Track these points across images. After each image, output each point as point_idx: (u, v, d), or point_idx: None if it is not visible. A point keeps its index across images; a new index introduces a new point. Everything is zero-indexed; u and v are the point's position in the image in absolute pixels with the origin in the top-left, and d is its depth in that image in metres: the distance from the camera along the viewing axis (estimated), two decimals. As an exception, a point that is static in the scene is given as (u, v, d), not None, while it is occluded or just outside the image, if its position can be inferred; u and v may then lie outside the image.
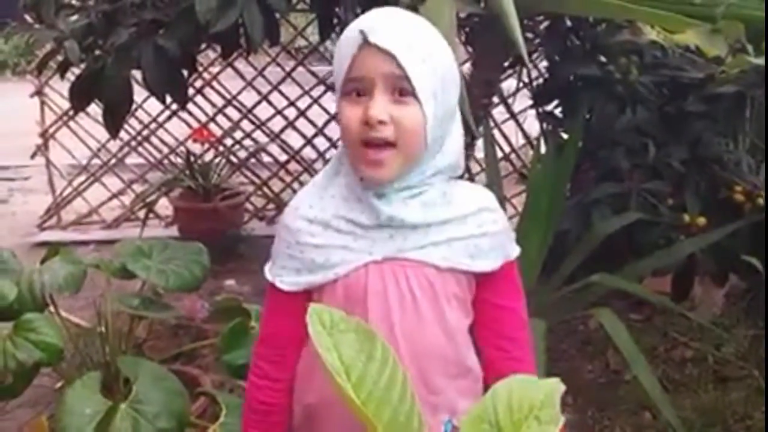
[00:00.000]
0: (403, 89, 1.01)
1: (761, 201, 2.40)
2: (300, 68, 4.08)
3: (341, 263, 1.08)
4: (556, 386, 0.76)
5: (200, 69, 3.75)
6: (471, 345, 1.16)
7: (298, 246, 1.10)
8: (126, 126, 3.75)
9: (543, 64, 3.11)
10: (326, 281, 1.09)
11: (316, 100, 4.08)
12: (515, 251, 1.15)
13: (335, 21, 2.67)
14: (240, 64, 4.02)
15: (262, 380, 1.18)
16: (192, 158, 3.96)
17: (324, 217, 1.09)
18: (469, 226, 1.09)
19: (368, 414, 0.71)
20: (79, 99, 2.47)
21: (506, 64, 2.79)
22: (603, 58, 2.60)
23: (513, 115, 3.89)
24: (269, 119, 4.17)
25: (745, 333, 2.80)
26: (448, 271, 1.09)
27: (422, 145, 1.03)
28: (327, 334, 0.76)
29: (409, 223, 1.07)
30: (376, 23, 1.03)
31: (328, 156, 3.94)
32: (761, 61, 1.71)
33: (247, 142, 4.24)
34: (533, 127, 3.34)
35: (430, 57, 1.02)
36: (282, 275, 1.13)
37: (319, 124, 4.11)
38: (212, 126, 4.17)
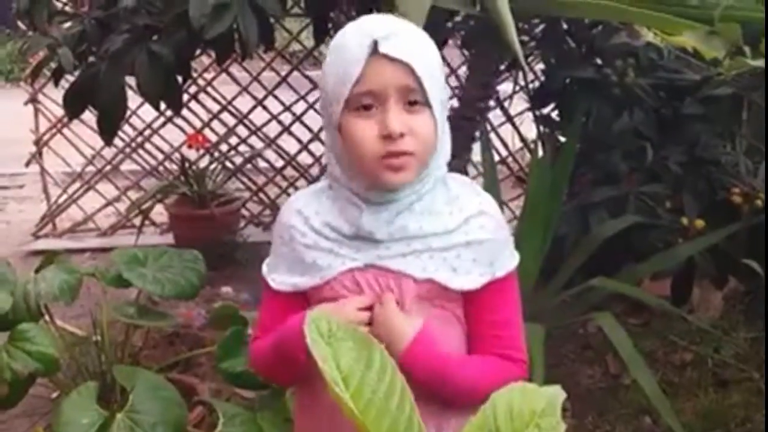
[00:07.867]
0: (413, 99, 1.00)
1: (759, 203, 2.40)
2: (295, 73, 4.06)
3: (327, 267, 1.07)
4: (557, 394, 0.74)
5: (195, 75, 3.73)
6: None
7: (291, 243, 1.10)
8: (120, 133, 3.73)
9: (539, 66, 3.10)
10: (313, 284, 1.09)
11: (311, 105, 4.06)
12: (510, 263, 1.09)
13: (330, 25, 2.67)
14: (235, 70, 4.01)
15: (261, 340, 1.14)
16: (187, 164, 3.95)
17: (315, 221, 1.08)
18: (455, 235, 1.06)
19: (367, 423, 0.70)
20: (73, 106, 2.46)
21: (502, 67, 2.78)
22: (599, 61, 2.59)
23: (510, 119, 3.88)
24: (265, 124, 4.16)
25: (745, 336, 2.80)
26: (427, 282, 1.06)
27: (433, 151, 1.04)
28: (325, 343, 0.74)
29: (394, 237, 1.05)
30: (383, 30, 0.98)
31: (324, 161, 3.91)
32: (759, 63, 1.70)
33: (243, 147, 4.22)
34: (531, 130, 3.33)
35: (437, 64, 1.03)
36: (275, 273, 1.13)
37: (315, 129, 4.09)
38: (207, 132, 4.15)
